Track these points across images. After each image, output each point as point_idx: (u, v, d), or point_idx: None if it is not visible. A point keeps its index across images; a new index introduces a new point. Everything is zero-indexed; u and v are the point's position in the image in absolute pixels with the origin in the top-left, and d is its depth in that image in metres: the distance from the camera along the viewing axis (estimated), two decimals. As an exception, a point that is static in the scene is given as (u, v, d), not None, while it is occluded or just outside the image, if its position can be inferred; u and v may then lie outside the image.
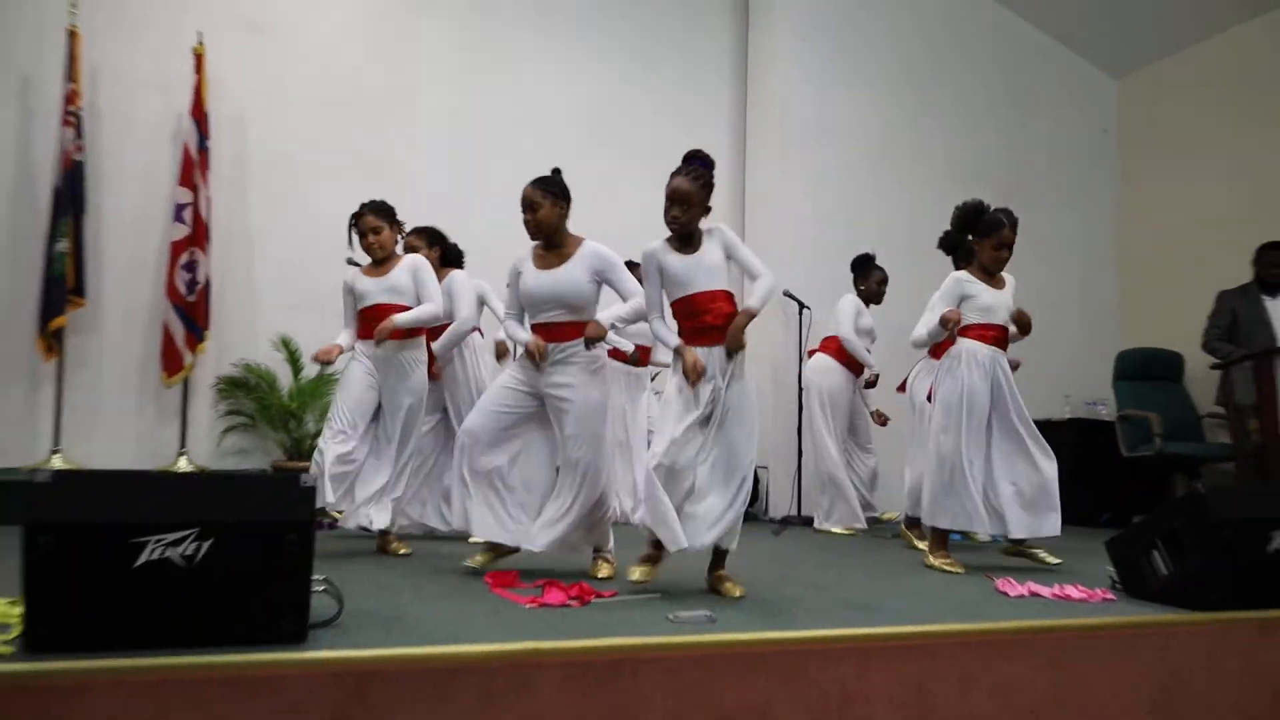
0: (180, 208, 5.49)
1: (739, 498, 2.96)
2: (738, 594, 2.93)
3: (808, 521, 5.97)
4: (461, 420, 3.93)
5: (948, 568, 3.76)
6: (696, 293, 3.03)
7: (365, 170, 5.92)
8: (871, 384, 5.70)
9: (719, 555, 3.06)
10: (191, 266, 5.48)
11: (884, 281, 5.66)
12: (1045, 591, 3.14)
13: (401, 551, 3.89)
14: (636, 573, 2.95)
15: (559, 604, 2.70)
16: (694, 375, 2.91)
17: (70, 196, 5.22)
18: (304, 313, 5.69)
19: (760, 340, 6.63)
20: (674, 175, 3.08)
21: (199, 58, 5.58)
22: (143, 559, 1.88)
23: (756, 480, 6.28)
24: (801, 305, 6.29)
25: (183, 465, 5.44)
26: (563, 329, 3.32)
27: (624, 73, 6.79)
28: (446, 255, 4.71)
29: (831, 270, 6.59)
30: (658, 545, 2.97)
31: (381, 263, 3.93)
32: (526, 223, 3.37)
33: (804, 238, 6.60)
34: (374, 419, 3.89)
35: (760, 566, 3.74)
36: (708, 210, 3.12)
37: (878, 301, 5.67)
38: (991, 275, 3.99)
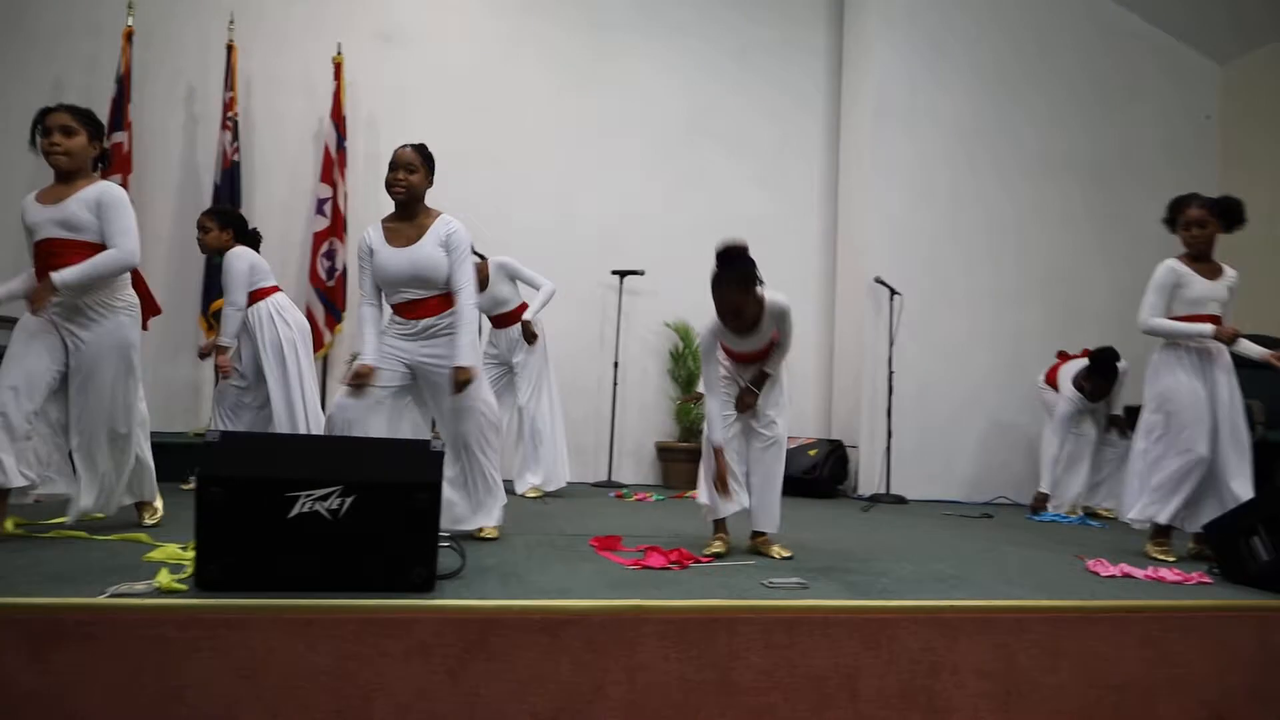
0: (321, 201, 5.75)
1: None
2: (787, 554, 3.05)
3: (897, 499, 5.86)
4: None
5: (1160, 555, 3.51)
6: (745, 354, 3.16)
7: (483, 167, 6.07)
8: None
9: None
10: (331, 254, 5.74)
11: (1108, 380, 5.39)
12: (1139, 573, 3.01)
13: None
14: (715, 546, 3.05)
15: (659, 567, 2.74)
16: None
17: (228, 193, 5.54)
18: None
19: (850, 324, 6.53)
20: (727, 284, 2.95)
21: (338, 66, 5.83)
22: (295, 511, 2.00)
23: (847, 459, 6.21)
24: (893, 291, 6.15)
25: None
26: (425, 304, 3.16)
27: (721, 71, 6.75)
28: (240, 235, 4.38)
29: (923, 258, 6.43)
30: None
31: (66, 179, 2.86)
32: (398, 181, 3.10)
33: (897, 226, 6.44)
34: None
35: (849, 541, 3.70)
36: (760, 304, 3.03)
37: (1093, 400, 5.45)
38: (1197, 260, 3.57)
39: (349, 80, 5.88)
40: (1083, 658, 2.27)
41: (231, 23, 5.64)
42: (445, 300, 3.16)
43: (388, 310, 3.29)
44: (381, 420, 3.13)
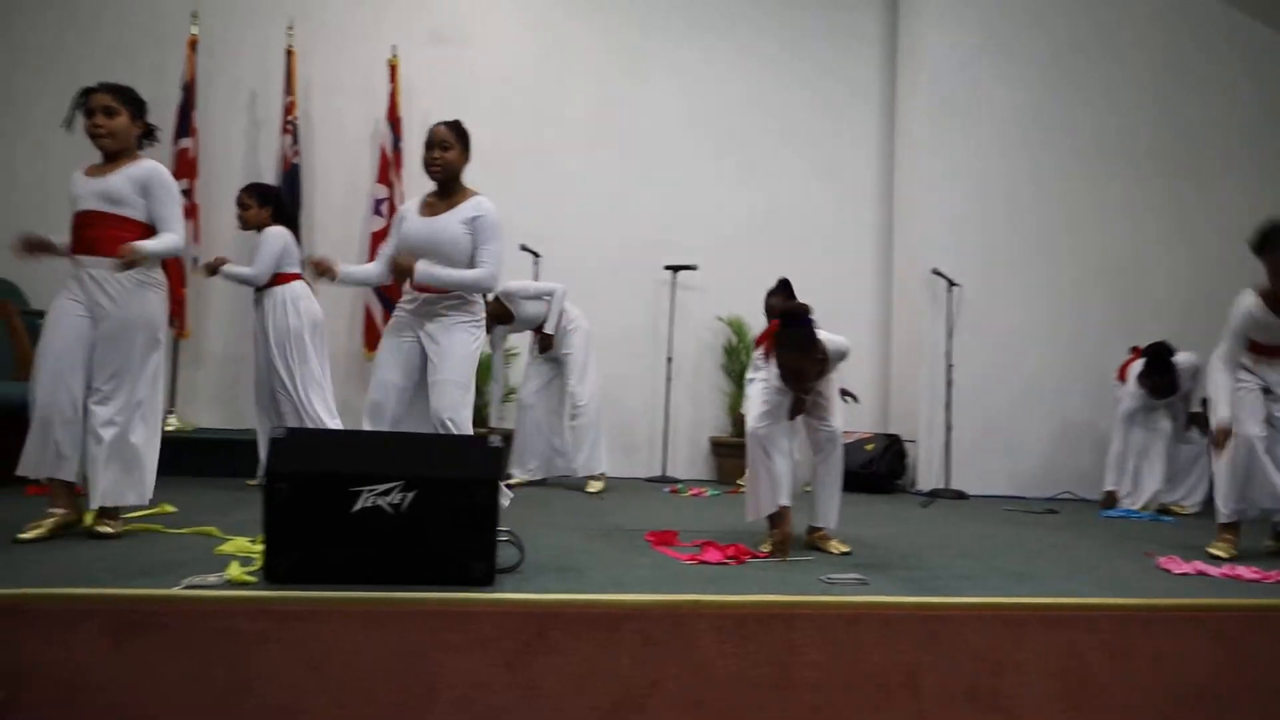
0: (378, 202, 5.85)
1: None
2: (845, 549, 3.03)
3: (957, 494, 5.75)
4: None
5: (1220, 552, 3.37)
6: None
7: (535, 165, 6.12)
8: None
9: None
10: (388, 254, 5.84)
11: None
12: (1213, 571, 2.91)
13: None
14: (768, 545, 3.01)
15: (716, 562, 2.74)
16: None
17: (288, 194, 5.66)
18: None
19: (907, 316, 6.42)
20: (786, 349, 2.94)
21: (393, 68, 5.92)
22: (359, 505, 2.05)
23: (905, 454, 6.11)
24: (951, 283, 6.03)
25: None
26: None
27: (773, 63, 6.68)
28: (279, 214, 4.41)
29: (981, 248, 6.28)
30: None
31: (112, 158, 2.88)
32: (434, 160, 3.14)
33: (954, 217, 6.31)
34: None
35: (909, 536, 3.64)
36: (823, 362, 3.02)
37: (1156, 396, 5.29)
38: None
39: (404, 82, 5.97)
40: (1155, 658, 2.20)
41: (291, 29, 5.77)
42: None
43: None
44: (414, 407, 3.15)
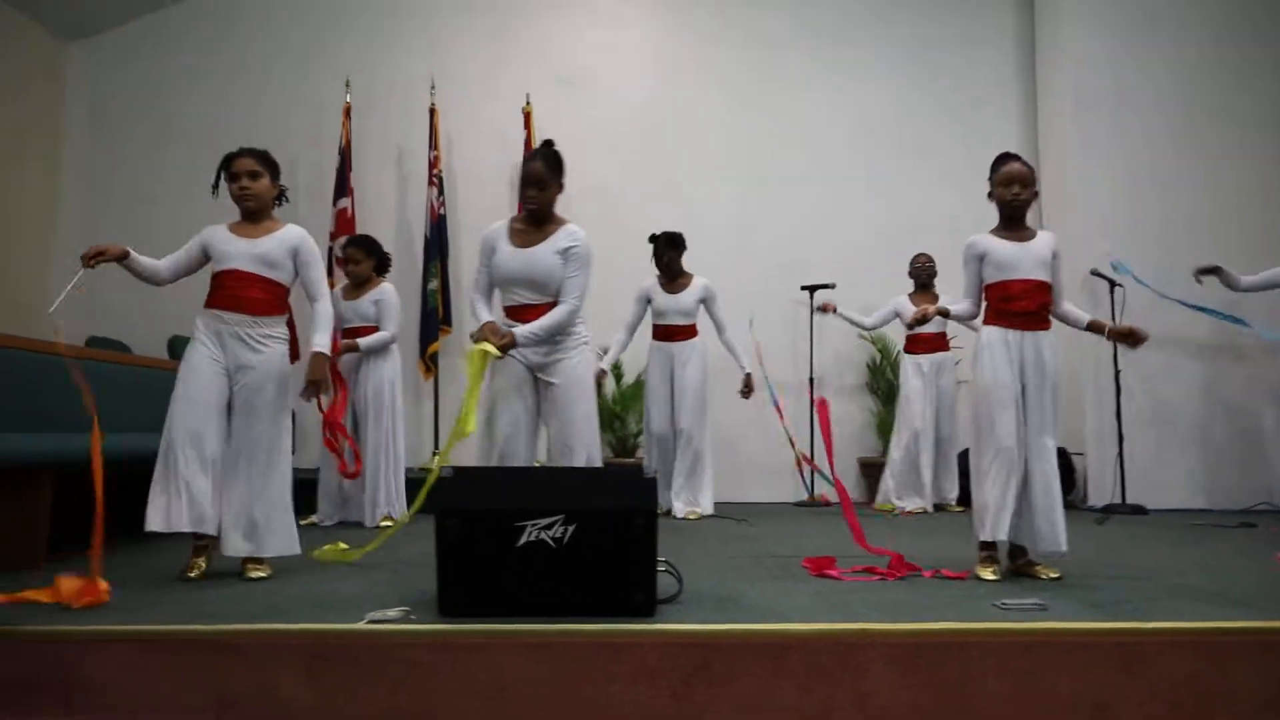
0: (519, 244, 6.08)
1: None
2: (1054, 575, 2.81)
3: (1135, 509, 5.34)
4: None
5: None
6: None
7: (664, 196, 6.21)
8: None
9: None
10: (530, 293, 6.05)
11: None
12: None
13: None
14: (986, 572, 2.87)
15: (890, 577, 2.66)
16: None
17: (437, 243, 6.00)
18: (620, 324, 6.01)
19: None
20: None
21: (527, 116, 6.17)
22: (523, 540, 2.12)
23: (1073, 468, 5.74)
24: (1113, 284, 5.65)
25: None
26: (536, 310, 3.06)
27: (897, 72, 6.53)
28: (381, 265, 4.63)
29: (1143, 247, 5.86)
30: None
31: (254, 217, 3.01)
32: (531, 198, 3.08)
33: (1109, 216, 5.92)
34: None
35: (1086, 556, 3.41)
36: None
37: None
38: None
39: (535, 126, 6.21)
40: (1392, 689, 1.97)
41: (433, 88, 6.13)
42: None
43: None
44: (532, 440, 3.14)
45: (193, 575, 2.83)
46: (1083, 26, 6.08)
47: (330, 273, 4.80)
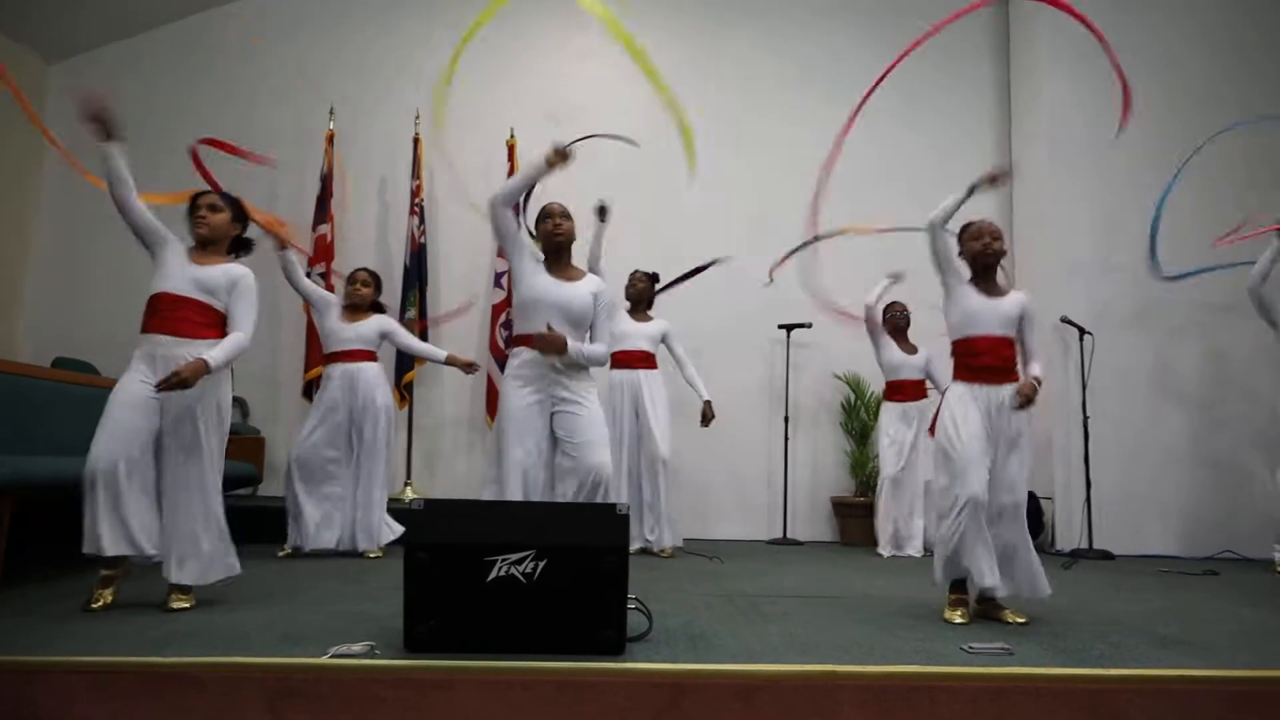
0: (499, 275, 6.09)
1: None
2: (1021, 620, 2.83)
3: (1102, 554, 5.38)
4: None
5: None
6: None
7: (647, 232, 6.23)
8: None
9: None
10: (509, 325, 6.03)
11: None
12: None
13: None
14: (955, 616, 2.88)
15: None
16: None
17: (416, 273, 5.98)
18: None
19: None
20: None
21: (510, 148, 6.21)
22: (493, 574, 2.09)
23: (1042, 512, 5.78)
24: (1082, 331, 5.74)
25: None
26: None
27: (890, 115, 6.67)
28: (379, 303, 4.86)
29: (1114, 293, 5.98)
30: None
31: (206, 248, 3.09)
32: (559, 228, 3.25)
33: (1082, 262, 6.04)
34: None
35: (1054, 601, 3.41)
36: None
37: None
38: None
39: (521, 160, 6.24)
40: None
41: (418, 118, 6.15)
42: None
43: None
44: (550, 470, 3.15)
45: (96, 606, 2.76)
46: (1055, 80, 6.24)
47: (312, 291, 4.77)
